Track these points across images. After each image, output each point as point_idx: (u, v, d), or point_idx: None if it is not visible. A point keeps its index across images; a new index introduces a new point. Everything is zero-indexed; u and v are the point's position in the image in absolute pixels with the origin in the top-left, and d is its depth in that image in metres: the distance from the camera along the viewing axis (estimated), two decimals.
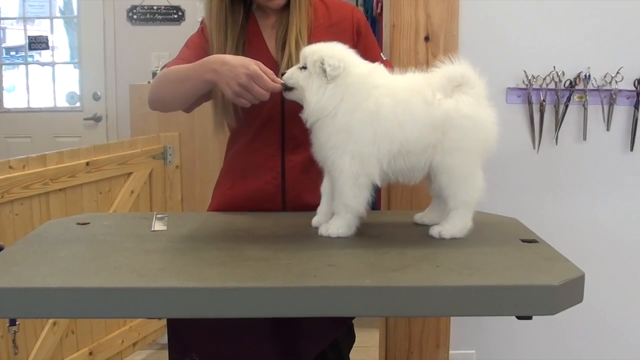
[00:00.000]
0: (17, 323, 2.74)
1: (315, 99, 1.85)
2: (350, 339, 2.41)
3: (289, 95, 1.94)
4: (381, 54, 2.33)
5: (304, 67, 1.89)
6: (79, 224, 2.04)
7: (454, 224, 1.86)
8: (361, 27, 2.28)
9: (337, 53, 1.87)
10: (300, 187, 2.21)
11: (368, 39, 2.30)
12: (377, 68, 1.95)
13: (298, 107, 1.94)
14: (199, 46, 2.24)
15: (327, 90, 1.84)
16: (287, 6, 2.21)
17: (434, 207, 2.02)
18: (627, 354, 2.94)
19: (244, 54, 2.12)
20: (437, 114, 1.82)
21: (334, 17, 2.27)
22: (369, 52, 2.18)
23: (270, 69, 1.94)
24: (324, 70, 1.84)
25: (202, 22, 2.29)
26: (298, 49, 2.08)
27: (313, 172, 2.01)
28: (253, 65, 1.91)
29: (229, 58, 1.97)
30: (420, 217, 2.04)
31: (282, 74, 1.93)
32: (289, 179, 2.22)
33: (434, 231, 1.88)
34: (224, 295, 1.46)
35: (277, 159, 2.22)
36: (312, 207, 2.04)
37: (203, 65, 2.01)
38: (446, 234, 1.86)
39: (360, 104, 1.83)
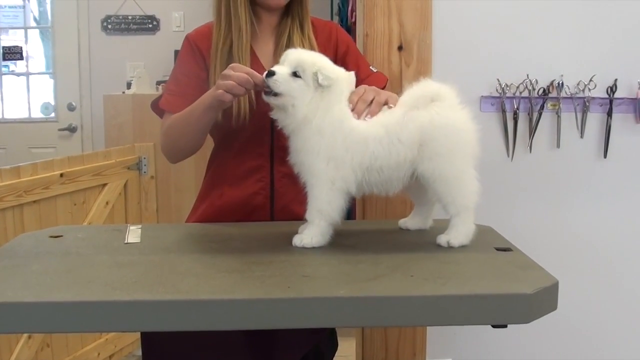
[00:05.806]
0: None
1: (305, 109, 1.81)
2: (333, 346, 2.41)
3: (270, 100, 1.84)
4: (370, 66, 2.33)
5: (297, 76, 1.81)
6: (52, 237, 2.02)
7: (458, 231, 1.85)
8: (345, 44, 2.28)
9: (328, 63, 1.86)
10: (289, 198, 2.20)
11: (356, 54, 2.31)
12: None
13: None
14: (194, 74, 2.22)
15: (312, 100, 1.81)
16: (286, 13, 2.22)
17: (417, 213, 2.03)
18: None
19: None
20: (410, 130, 1.81)
21: (320, 34, 2.27)
22: (359, 67, 2.19)
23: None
24: (317, 82, 1.80)
25: (186, 39, 2.25)
26: None
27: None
28: (237, 65, 1.92)
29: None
30: (404, 222, 2.05)
31: (269, 74, 1.82)
32: (278, 189, 2.20)
33: (442, 240, 1.86)
34: (196, 307, 1.45)
35: (265, 170, 2.20)
36: (300, 218, 2.03)
37: (201, 98, 2.03)
38: (455, 243, 1.84)
39: (332, 107, 1.82)
